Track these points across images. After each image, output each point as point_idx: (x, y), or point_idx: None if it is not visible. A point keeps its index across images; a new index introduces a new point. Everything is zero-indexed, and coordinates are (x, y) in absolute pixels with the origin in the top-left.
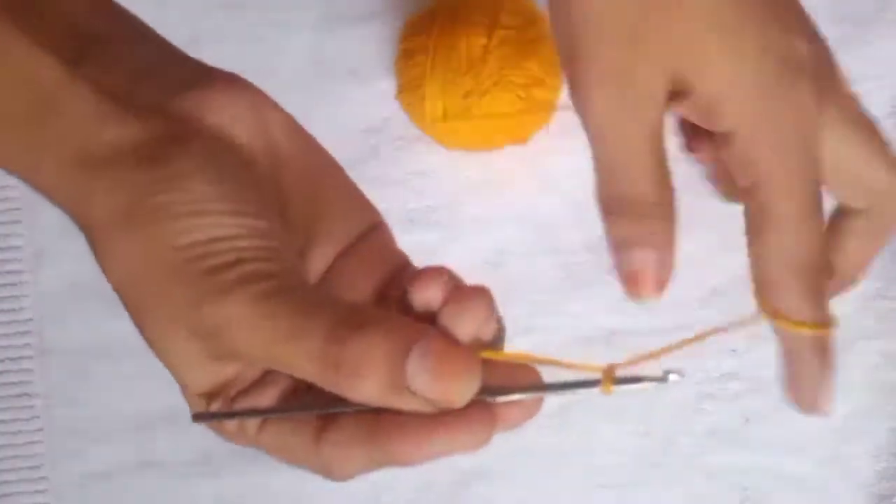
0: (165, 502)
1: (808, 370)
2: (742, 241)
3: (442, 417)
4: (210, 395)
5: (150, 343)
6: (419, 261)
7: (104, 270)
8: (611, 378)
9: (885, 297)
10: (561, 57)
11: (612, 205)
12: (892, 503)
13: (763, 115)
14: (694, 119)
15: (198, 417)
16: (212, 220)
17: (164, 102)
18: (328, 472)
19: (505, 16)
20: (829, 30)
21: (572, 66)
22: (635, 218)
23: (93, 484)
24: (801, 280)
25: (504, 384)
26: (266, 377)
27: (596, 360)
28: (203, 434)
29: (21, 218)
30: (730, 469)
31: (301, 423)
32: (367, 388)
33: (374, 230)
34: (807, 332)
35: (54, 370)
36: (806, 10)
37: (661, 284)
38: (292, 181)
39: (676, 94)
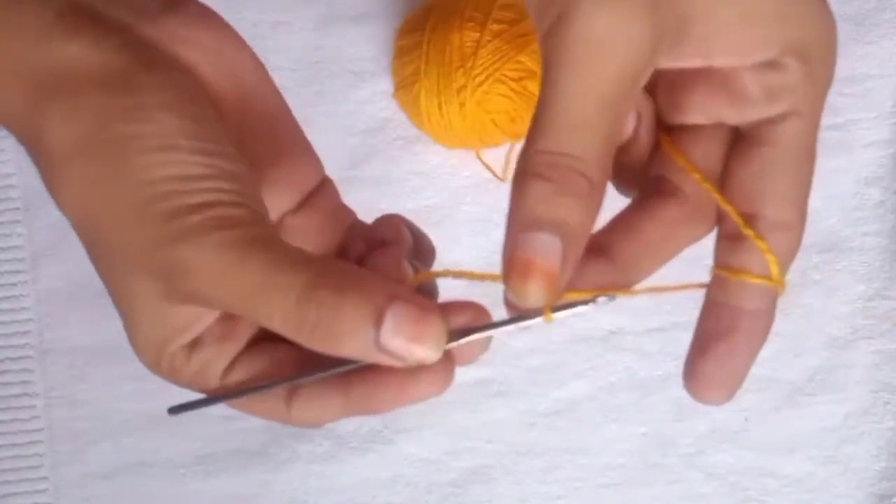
0: (165, 502)
1: (753, 335)
2: None
3: (408, 370)
4: (162, 346)
5: (106, 280)
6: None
7: (57, 201)
8: (549, 308)
9: (885, 297)
10: None
11: (543, 163)
12: (893, 503)
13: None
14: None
15: (173, 410)
16: (181, 157)
17: (134, 25)
18: (300, 426)
19: (497, 10)
20: None
21: None
22: (563, 191)
23: (93, 484)
24: (804, 218)
25: (457, 326)
26: (225, 333)
27: (595, 359)
28: (203, 434)
29: (21, 218)
30: (730, 469)
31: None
32: (344, 350)
33: (322, 186)
34: (776, 287)
35: (54, 370)
36: None
37: (551, 285)
38: (253, 124)
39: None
